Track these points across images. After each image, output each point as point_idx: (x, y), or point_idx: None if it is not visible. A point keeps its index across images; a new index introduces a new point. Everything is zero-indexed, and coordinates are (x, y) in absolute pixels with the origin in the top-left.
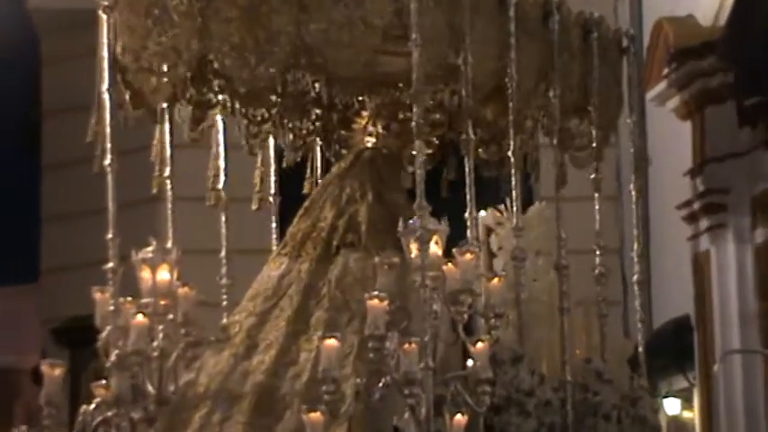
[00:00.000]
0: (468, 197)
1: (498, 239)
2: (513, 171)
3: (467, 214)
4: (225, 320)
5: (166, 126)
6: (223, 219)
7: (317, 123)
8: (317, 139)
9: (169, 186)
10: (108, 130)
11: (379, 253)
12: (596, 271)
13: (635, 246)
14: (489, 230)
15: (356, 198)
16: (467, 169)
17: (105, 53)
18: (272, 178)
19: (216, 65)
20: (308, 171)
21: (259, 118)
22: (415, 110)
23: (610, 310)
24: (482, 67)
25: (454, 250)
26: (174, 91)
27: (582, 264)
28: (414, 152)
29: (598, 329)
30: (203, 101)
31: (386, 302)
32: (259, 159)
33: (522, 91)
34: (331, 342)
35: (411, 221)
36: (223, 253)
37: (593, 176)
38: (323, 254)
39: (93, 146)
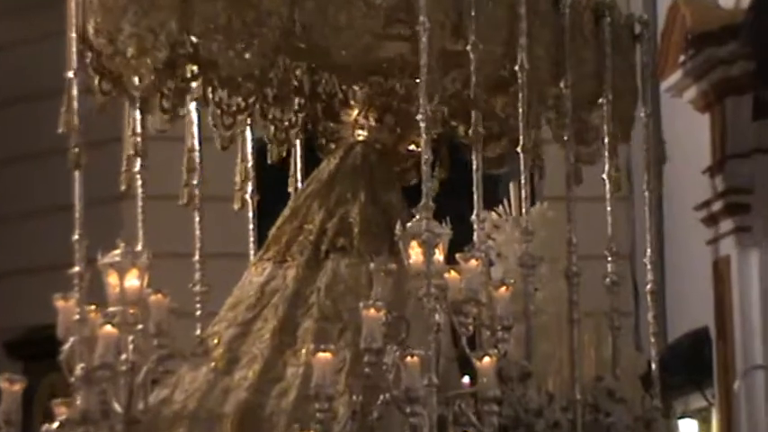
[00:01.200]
0: (475, 197)
1: (497, 245)
2: (522, 168)
3: (473, 216)
4: (198, 331)
5: (137, 116)
6: (197, 219)
7: (300, 114)
8: (299, 132)
9: (140, 182)
10: (76, 118)
11: (372, 258)
12: (608, 279)
13: (648, 251)
14: (486, 235)
15: (347, 198)
16: (474, 166)
17: (74, 34)
18: (250, 175)
19: (192, 49)
20: (292, 168)
21: (234, 108)
22: (422, 101)
23: (620, 322)
24: (490, 53)
25: (458, 256)
26: (155, 77)
27: (589, 271)
28: (410, 147)
29: (609, 343)
30: (183, 88)
31: (383, 312)
32: (240, 154)
33: (534, 80)
34: (324, 355)
35: (412, 223)
36: (197, 257)
37: (605, 175)
38: (311, 259)
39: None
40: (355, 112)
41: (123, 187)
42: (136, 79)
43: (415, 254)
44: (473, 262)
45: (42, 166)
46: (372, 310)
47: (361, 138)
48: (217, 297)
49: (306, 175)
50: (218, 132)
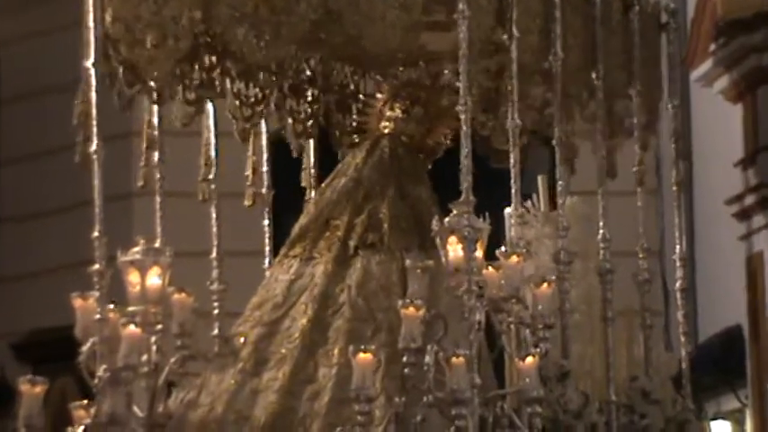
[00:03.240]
0: (513, 191)
1: (527, 241)
2: (557, 161)
3: (508, 210)
4: (216, 331)
5: (155, 109)
6: (213, 216)
7: (314, 106)
8: (316, 124)
9: (158, 177)
10: (94, 111)
11: (403, 255)
12: (640, 277)
13: (677, 247)
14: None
15: (375, 192)
16: (512, 161)
17: (91, 23)
18: (265, 169)
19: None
20: (306, 161)
21: (252, 99)
22: (462, 92)
23: (652, 320)
24: (526, 41)
25: (498, 252)
26: (175, 68)
27: (618, 268)
28: (437, 140)
29: (641, 343)
30: (208, 79)
31: (422, 311)
32: (251, 147)
33: (568, 70)
34: (365, 356)
35: (450, 218)
36: (214, 254)
37: (635, 169)
38: (339, 256)
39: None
40: (380, 103)
41: (141, 183)
42: (159, 71)
43: (453, 249)
44: (514, 258)
45: (44, 165)
46: (411, 309)
47: (387, 130)
48: (233, 296)
49: (320, 169)
50: (236, 125)
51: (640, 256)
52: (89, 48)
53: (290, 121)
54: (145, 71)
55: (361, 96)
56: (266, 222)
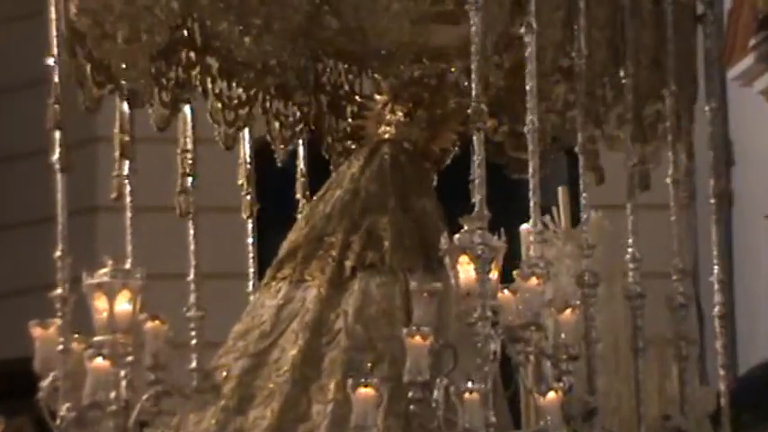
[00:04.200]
0: (531, 205)
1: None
2: (581, 170)
3: (525, 226)
4: (194, 364)
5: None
6: (191, 233)
7: (303, 109)
8: (303, 129)
9: (128, 188)
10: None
11: (407, 276)
12: (674, 301)
13: (714, 268)
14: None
15: (375, 206)
16: (531, 170)
17: (54, 14)
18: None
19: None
20: (300, 170)
21: (235, 101)
22: (475, 91)
23: (687, 350)
24: (545, 36)
25: (516, 273)
26: (149, 66)
27: (648, 291)
28: (443, 147)
29: (675, 376)
30: (186, 79)
31: (430, 340)
32: (242, 155)
33: (593, 67)
34: (366, 390)
35: (461, 235)
36: (191, 276)
37: (668, 179)
38: (334, 278)
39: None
40: (379, 105)
41: (114, 195)
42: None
43: (464, 270)
44: (533, 280)
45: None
46: (418, 338)
47: (387, 136)
48: (212, 323)
49: (311, 179)
50: (219, 130)
51: (674, 277)
52: (52, 42)
53: (276, 125)
54: (116, 69)
55: (357, 98)
56: (250, 240)
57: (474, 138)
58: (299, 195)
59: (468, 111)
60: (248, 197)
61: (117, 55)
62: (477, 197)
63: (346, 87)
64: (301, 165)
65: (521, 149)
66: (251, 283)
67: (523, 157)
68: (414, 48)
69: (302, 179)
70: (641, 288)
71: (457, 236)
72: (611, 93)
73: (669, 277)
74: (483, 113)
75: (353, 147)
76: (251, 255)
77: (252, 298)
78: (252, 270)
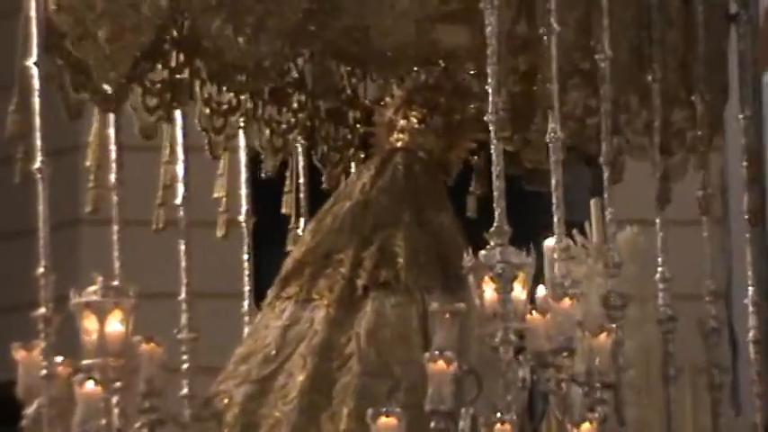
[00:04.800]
0: (555, 219)
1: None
2: (606, 182)
3: (549, 242)
4: (185, 390)
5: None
6: (182, 248)
7: (300, 115)
8: (298, 137)
9: (115, 200)
10: (38, 120)
11: (424, 296)
12: (707, 326)
13: (750, 289)
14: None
15: (388, 220)
16: (554, 182)
17: (34, 12)
18: (244, 192)
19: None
20: (288, 182)
21: (225, 106)
22: (492, 97)
23: (721, 379)
24: (563, 36)
25: (546, 294)
26: (134, 68)
27: (680, 315)
28: (461, 156)
29: (708, 406)
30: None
31: (454, 365)
32: (222, 164)
33: (615, 71)
34: (388, 420)
35: (485, 252)
36: (182, 295)
37: (699, 193)
38: (344, 297)
39: None
40: (390, 111)
41: (88, 209)
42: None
43: (490, 290)
44: (566, 301)
45: None
46: (441, 363)
47: (400, 144)
48: (206, 347)
49: (309, 191)
50: (208, 137)
51: (706, 299)
52: (30, 43)
53: (267, 133)
54: (97, 72)
55: (366, 103)
56: (245, 257)
57: (493, 147)
58: (285, 210)
59: (486, 117)
60: (225, 213)
61: (98, 56)
62: (497, 210)
63: (349, 92)
64: (300, 175)
65: (536, 160)
66: (246, 303)
67: (540, 167)
68: (420, 49)
69: (293, 192)
70: (673, 311)
71: (482, 252)
72: (634, 98)
73: (700, 299)
74: (504, 122)
75: (354, 156)
76: (246, 272)
77: (247, 319)
78: (247, 288)
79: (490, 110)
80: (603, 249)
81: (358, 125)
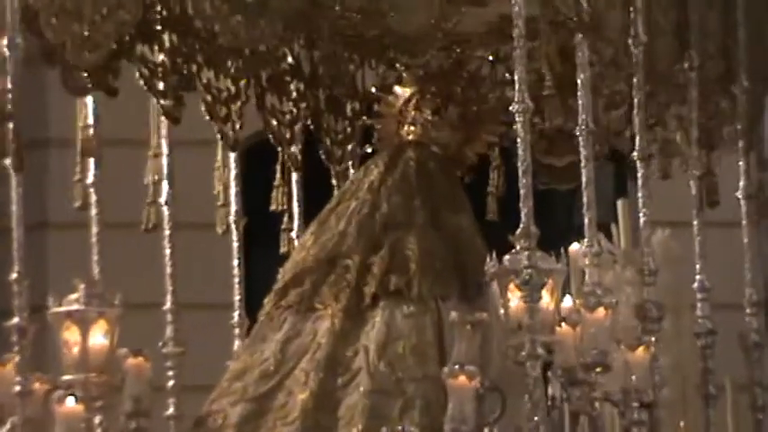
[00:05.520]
0: (586, 221)
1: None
2: (639, 181)
3: (575, 247)
4: (171, 410)
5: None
6: (167, 253)
7: (301, 105)
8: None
9: (94, 199)
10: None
11: (439, 305)
12: (749, 339)
13: None
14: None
15: (399, 221)
16: (584, 179)
17: None
18: (234, 190)
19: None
20: (279, 175)
21: (225, 93)
22: (518, 85)
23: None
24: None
25: (578, 303)
26: (118, 49)
27: (719, 327)
28: (479, 151)
29: (750, 429)
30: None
31: (477, 381)
32: (219, 155)
33: (656, 59)
34: None
35: (511, 256)
36: (167, 305)
37: (739, 193)
38: (351, 307)
39: None
40: (400, 101)
41: (77, 204)
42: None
43: (516, 299)
44: (600, 311)
45: None
46: (462, 378)
47: (412, 137)
48: (194, 362)
49: (306, 187)
50: (218, 127)
51: (747, 311)
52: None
53: (274, 123)
54: (76, 54)
55: (373, 91)
56: (235, 262)
57: (519, 140)
58: (273, 207)
59: (511, 108)
60: (227, 209)
61: (78, 37)
62: (523, 210)
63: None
64: (293, 173)
65: (554, 154)
66: (236, 314)
67: (556, 163)
68: (440, 33)
69: (281, 188)
70: (711, 323)
71: (507, 257)
72: (666, 88)
73: (736, 309)
74: (529, 111)
75: (359, 151)
76: (236, 279)
77: (237, 331)
78: (237, 297)
79: (516, 98)
80: (633, 255)
81: (359, 118)
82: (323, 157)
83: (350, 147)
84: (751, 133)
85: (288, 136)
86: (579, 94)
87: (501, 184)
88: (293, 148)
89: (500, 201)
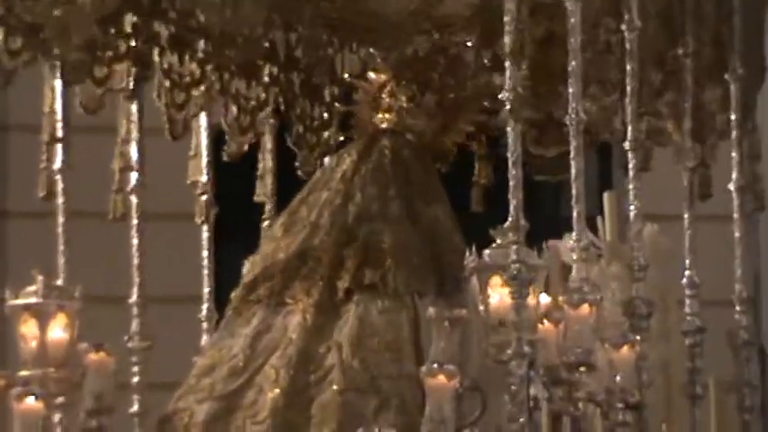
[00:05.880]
0: (574, 214)
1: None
2: (630, 173)
3: (558, 241)
4: (136, 407)
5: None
6: (134, 243)
7: (272, 90)
8: (270, 115)
9: (61, 187)
10: None
11: (415, 300)
12: (738, 338)
13: None
14: (566, 268)
15: (373, 212)
16: (574, 171)
17: None
18: (204, 178)
19: None
20: (261, 165)
21: (188, 78)
22: (510, 71)
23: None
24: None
25: (562, 299)
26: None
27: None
28: (456, 140)
29: (738, 428)
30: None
31: (456, 380)
32: (194, 142)
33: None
34: None
35: (492, 250)
36: (133, 298)
37: (731, 185)
38: (323, 301)
39: None
40: (374, 87)
41: (42, 193)
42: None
43: (498, 295)
44: (585, 308)
45: None
46: (441, 377)
47: (386, 125)
48: (162, 358)
49: (281, 177)
50: (168, 114)
51: (737, 308)
52: None
53: (234, 110)
54: (49, 36)
55: (345, 77)
56: (205, 254)
57: (509, 130)
58: (258, 197)
59: (501, 96)
60: (201, 198)
61: (53, 20)
62: (512, 202)
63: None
64: (268, 160)
65: (543, 144)
66: (205, 307)
67: (545, 154)
68: (424, 17)
69: (264, 178)
70: (700, 320)
71: (487, 251)
72: (658, 75)
73: (724, 306)
74: (521, 100)
75: (334, 138)
76: (206, 272)
77: (205, 325)
78: (207, 290)
79: (507, 86)
80: (620, 249)
81: (336, 103)
82: (292, 144)
83: (326, 133)
84: (744, 123)
85: (246, 124)
86: (570, 81)
87: (489, 173)
88: (247, 137)
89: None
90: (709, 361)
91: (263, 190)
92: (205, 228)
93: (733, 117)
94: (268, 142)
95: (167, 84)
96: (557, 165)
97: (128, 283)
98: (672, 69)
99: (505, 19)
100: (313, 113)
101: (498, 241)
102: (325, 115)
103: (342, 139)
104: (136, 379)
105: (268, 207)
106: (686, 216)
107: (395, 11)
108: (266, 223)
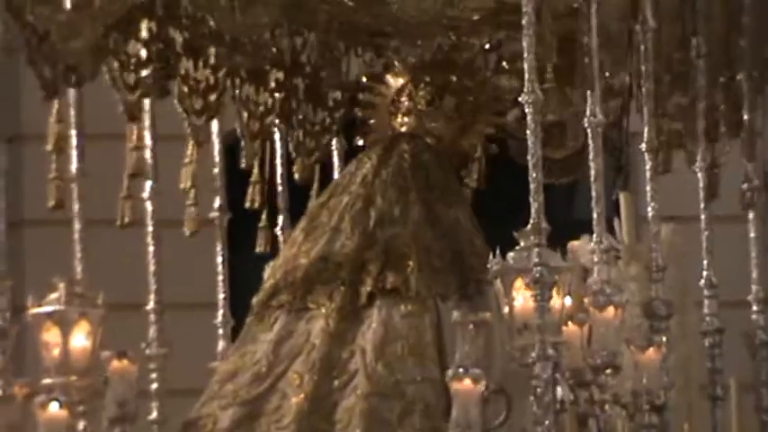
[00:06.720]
0: (594, 216)
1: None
2: (648, 173)
3: (578, 242)
4: (155, 414)
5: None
6: (150, 250)
7: (277, 95)
8: (276, 120)
9: (76, 194)
10: None
11: (437, 304)
12: (756, 338)
13: None
14: (585, 272)
15: (394, 216)
16: (593, 172)
17: None
18: (218, 184)
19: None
20: (257, 171)
21: (204, 84)
22: (528, 74)
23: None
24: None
25: (587, 301)
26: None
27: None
28: (475, 143)
29: (757, 429)
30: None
31: (482, 384)
32: (189, 147)
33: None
34: None
35: (516, 253)
36: (151, 305)
37: (744, 185)
38: (346, 306)
39: None
40: (392, 91)
41: (51, 203)
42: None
43: (522, 298)
44: (610, 309)
45: None
46: (467, 382)
47: (405, 128)
48: (180, 365)
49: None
50: (189, 121)
51: (754, 308)
52: None
53: (245, 115)
54: (57, 42)
55: (363, 79)
56: (219, 260)
57: (528, 132)
58: (248, 204)
59: (521, 99)
60: (194, 207)
61: (62, 25)
62: (533, 205)
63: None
64: (278, 166)
65: (549, 147)
66: (221, 313)
67: (554, 156)
68: (446, 19)
69: (258, 184)
70: (719, 321)
71: (511, 254)
72: (667, 76)
73: (741, 307)
74: (539, 101)
75: (343, 143)
76: (221, 278)
77: (221, 332)
78: (222, 296)
79: (526, 89)
80: (638, 250)
81: (340, 108)
82: (292, 149)
83: (326, 139)
84: (753, 123)
85: (256, 129)
86: (588, 83)
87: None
88: (258, 143)
89: (508, 197)
90: (728, 362)
91: (255, 197)
92: (219, 233)
93: (746, 117)
94: (270, 149)
95: (185, 89)
96: (562, 168)
97: (143, 290)
98: (680, 71)
99: (523, 22)
100: (315, 118)
101: (522, 244)
102: (326, 120)
103: (360, 143)
104: (154, 386)
105: (267, 215)
106: (703, 217)
107: (412, 14)
108: (263, 232)
